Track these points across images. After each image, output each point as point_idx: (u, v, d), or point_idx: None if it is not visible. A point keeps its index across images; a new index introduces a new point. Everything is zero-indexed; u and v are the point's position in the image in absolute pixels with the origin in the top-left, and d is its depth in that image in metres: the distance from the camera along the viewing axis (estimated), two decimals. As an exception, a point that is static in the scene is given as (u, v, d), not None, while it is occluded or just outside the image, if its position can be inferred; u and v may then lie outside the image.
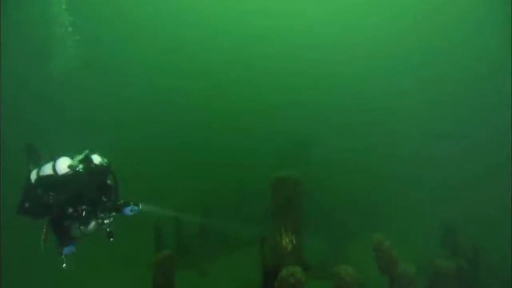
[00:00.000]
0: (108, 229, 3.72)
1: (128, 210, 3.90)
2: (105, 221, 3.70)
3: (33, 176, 3.75)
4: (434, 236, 9.00)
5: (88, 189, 3.62)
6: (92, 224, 3.70)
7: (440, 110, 18.93)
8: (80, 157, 3.72)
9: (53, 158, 3.77)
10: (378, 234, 5.70)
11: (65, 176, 3.63)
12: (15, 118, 14.52)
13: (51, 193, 3.59)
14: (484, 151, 14.94)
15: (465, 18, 21.74)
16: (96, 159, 3.76)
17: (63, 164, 3.67)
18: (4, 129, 12.77)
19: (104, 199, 3.74)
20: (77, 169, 3.65)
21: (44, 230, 3.75)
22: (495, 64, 18.82)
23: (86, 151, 3.77)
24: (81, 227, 3.66)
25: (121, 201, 3.89)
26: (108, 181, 3.82)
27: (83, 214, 3.63)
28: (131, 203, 3.94)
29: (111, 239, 3.74)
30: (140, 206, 3.99)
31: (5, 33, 15.02)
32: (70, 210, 3.61)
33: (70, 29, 11.62)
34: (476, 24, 21.43)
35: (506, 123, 15.07)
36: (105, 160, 3.80)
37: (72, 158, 3.75)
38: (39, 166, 3.81)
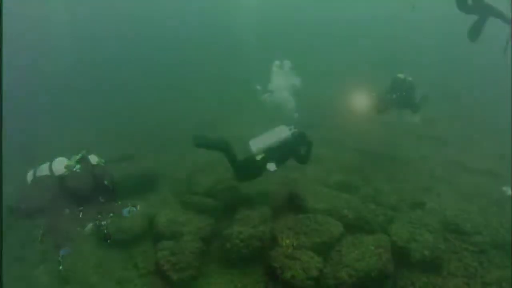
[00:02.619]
0: (105, 231, 3.67)
1: (126, 211, 3.85)
2: (103, 223, 3.65)
3: (30, 176, 3.71)
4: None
5: (85, 190, 3.57)
6: (90, 225, 3.65)
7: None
8: (77, 157, 3.68)
9: (50, 159, 3.72)
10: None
11: (62, 176, 3.58)
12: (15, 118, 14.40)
13: (47, 194, 3.54)
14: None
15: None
16: (93, 159, 3.71)
17: (60, 165, 3.62)
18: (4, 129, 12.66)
19: (102, 200, 3.69)
20: (74, 169, 3.60)
21: (41, 231, 3.69)
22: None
23: (83, 151, 3.72)
24: (78, 229, 3.61)
25: (119, 202, 3.85)
26: (106, 182, 3.75)
27: (80, 215, 3.58)
28: (129, 204, 3.89)
29: (108, 241, 3.69)
30: (138, 207, 3.94)
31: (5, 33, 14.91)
32: (67, 211, 3.56)
33: (68, 28, 11.60)
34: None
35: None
36: (102, 161, 3.76)
37: (69, 158, 3.70)
38: (35, 166, 3.76)
